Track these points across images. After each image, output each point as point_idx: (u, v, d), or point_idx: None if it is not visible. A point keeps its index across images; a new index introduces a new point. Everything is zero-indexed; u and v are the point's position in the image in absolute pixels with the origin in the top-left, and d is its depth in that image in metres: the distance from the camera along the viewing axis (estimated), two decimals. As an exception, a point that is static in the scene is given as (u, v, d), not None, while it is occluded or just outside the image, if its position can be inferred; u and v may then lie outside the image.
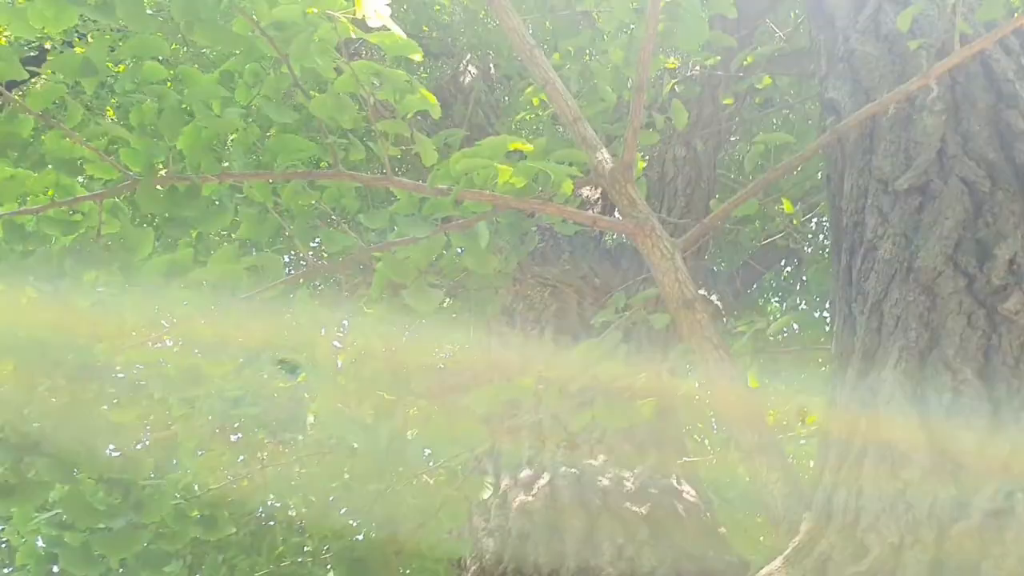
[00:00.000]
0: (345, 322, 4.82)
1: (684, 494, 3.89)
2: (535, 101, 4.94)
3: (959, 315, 2.11)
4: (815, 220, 7.07)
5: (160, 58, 2.76)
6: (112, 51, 4.78)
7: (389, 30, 2.55)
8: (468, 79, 7.74)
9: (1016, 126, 2.55)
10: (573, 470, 3.81)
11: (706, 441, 7.63)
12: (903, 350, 2.13)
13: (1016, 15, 2.85)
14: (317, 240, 3.19)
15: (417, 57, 2.62)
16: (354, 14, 2.48)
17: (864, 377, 2.21)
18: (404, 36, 2.56)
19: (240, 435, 5.22)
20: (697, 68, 5.78)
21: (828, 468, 2.17)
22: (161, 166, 2.87)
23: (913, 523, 1.82)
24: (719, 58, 5.34)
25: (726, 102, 5.68)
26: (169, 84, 2.81)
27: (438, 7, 7.70)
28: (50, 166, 2.83)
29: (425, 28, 7.83)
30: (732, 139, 7.12)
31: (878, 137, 2.78)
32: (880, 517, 1.89)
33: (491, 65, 7.95)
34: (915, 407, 2.00)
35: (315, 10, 2.44)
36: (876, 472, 1.97)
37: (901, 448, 1.95)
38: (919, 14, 3.02)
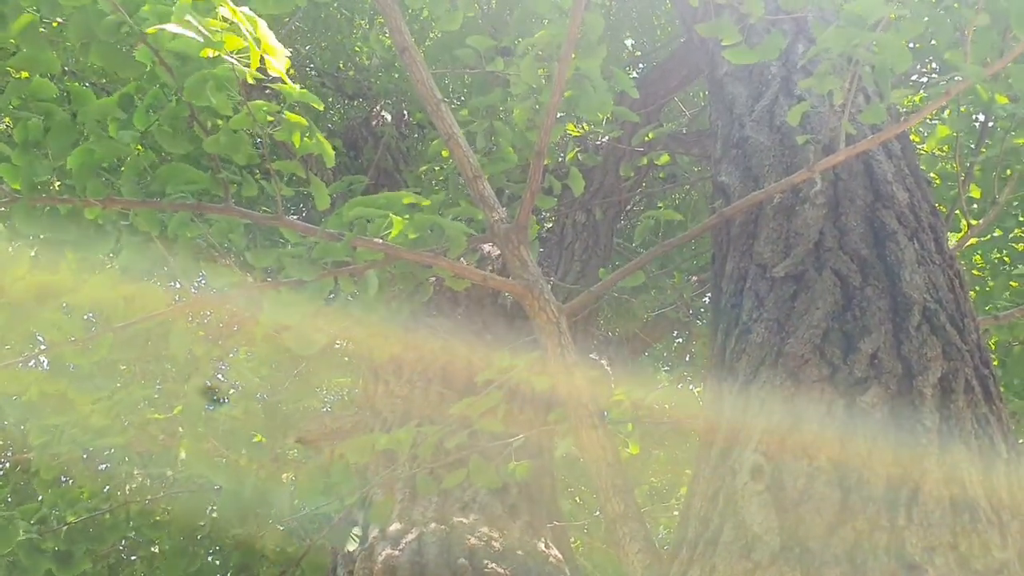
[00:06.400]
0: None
1: (550, 557, 3.88)
2: (444, 153, 4.96)
3: (820, 403, 2.18)
4: (708, 296, 7.23)
5: (51, 75, 2.68)
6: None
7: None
8: (381, 123, 7.74)
9: (890, 226, 2.67)
10: (443, 527, 3.77)
11: (579, 499, 7.66)
12: (764, 433, 2.18)
13: (900, 120, 3.00)
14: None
15: (318, 107, 2.61)
16: (252, 62, 2.46)
17: (727, 456, 2.25)
18: (300, 90, 2.55)
19: (107, 466, 5.03)
20: (603, 139, 5.92)
21: (686, 543, 2.20)
22: (43, 185, 2.78)
23: (759, 605, 1.86)
24: (621, 132, 5.47)
25: (624, 173, 5.81)
26: (59, 104, 2.73)
27: (357, 48, 7.70)
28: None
29: (342, 66, 7.82)
30: (634, 210, 7.27)
31: (762, 224, 2.88)
32: (729, 597, 1.92)
33: (405, 112, 7.96)
34: (770, 491, 2.05)
35: (213, 53, 2.41)
36: (729, 551, 2.01)
37: (755, 529, 2.00)
38: (810, 110, 3.15)
